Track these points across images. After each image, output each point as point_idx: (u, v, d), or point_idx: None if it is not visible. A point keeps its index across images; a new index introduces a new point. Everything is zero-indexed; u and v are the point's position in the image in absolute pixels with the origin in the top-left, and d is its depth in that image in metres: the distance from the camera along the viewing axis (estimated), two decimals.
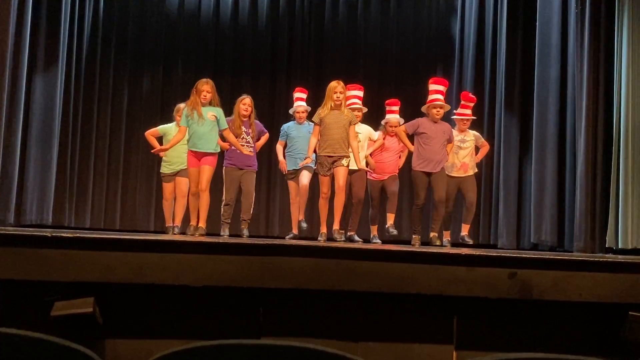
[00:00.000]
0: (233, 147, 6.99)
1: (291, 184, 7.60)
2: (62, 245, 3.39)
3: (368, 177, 7.46)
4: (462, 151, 7.46)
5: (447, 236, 7.55)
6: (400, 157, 7.61)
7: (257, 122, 7.41)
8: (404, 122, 7.42)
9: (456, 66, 10.36)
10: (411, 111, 7.94)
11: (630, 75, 7.75)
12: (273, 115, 9.83)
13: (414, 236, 7.18)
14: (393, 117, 7.51)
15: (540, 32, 9.11)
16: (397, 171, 7.63)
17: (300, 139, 7.42)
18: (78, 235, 3.55)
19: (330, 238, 6.62)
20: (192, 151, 6.62)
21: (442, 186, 7.08)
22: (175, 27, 10.30)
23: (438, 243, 7.00)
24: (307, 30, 10.51)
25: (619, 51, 7.97)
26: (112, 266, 3.38)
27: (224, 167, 7.26)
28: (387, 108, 7.59)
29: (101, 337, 3.44)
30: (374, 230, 7.72)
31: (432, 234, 7.16)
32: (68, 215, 9.53)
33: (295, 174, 7.48)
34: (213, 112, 6.62)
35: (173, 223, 7.72)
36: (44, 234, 3.50)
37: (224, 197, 7.29)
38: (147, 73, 10.21)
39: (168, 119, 8.22)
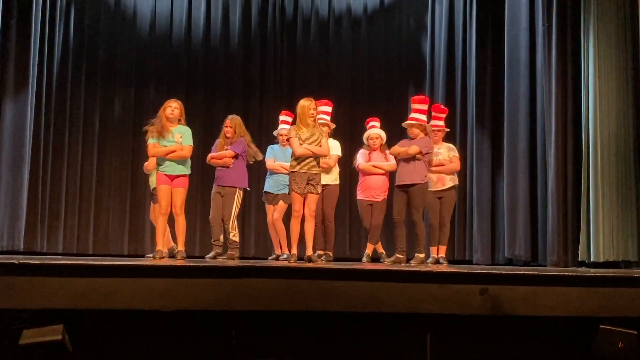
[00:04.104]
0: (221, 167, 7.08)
1: (269, 207, 7.61)
2: (30, 272, 3.35)
3: (358, 197, 7.43)
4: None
5: (442, 252, 7.39)
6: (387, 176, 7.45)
7: (241, 140, 7.20)
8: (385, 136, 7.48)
9: (427, 83, 10.44)
10: (385, 129, 7.96)
11: (597, 91, 7.86)
12: None
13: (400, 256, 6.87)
14: (373, 130, 7.50)
15: (509, 49, 9.23)
16: (387, 192, 7.40)
17: (284, 162, 7.40)
18: (45, 262, 3.50)
19: (300, 258, 6.51)
20: (161, 173, 6.46)
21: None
22: (147, 49, 10.26)
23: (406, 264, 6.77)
24: (280, 51, 10.55)
25: (585, 67, 8.09)
26: (81, 292, 3.34)
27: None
28: (368, 125, 7.58)
29: None
30: (379, 248, 7.55)
31: (400, 255, 6.87)
32: (40, 241, 9.39)
33: (275, 198, 7.51)
34: (180, 134, 6.46)
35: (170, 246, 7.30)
36: (12, 261, 3.46)
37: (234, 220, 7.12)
38: (119, 96, 10.13)
39: (140, 142, 8.14)
